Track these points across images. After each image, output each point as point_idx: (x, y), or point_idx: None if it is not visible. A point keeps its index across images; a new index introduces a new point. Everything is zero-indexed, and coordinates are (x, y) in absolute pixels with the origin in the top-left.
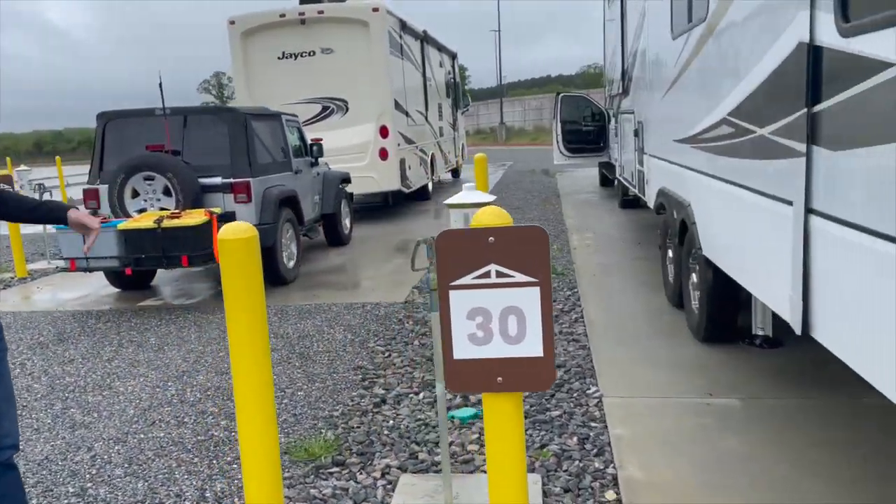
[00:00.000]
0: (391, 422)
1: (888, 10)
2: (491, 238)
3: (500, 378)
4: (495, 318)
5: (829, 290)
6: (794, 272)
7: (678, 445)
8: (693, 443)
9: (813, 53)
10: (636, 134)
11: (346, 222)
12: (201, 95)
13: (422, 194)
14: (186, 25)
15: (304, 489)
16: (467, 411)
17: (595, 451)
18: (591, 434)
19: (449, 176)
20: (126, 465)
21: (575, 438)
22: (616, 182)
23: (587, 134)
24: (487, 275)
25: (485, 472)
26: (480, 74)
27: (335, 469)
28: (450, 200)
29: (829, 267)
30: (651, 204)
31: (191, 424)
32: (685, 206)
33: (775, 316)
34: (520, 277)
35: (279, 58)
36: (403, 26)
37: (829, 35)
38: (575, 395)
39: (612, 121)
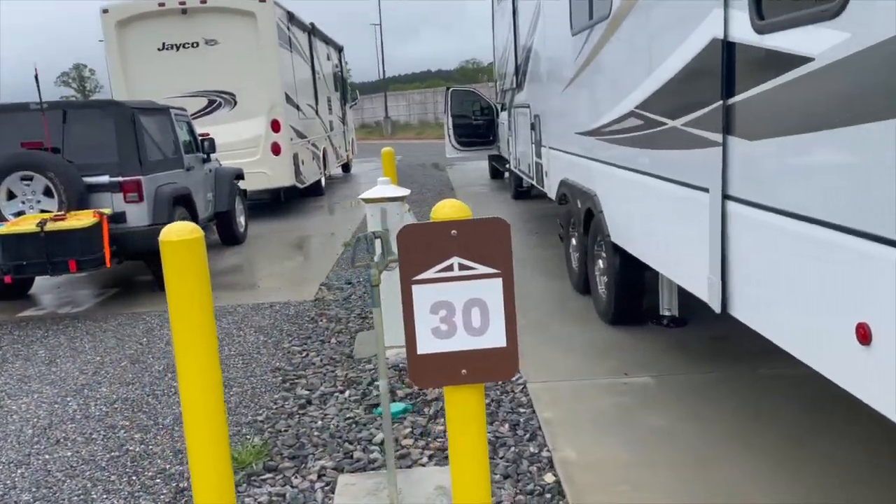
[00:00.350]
0: (320, 422)
1: (802, 9)
2: (453, 231)
3: (464, 370)
4: (458, 311)
5: (746, 269)
6: (711, 255)
7: (604, 425)
8: (617, 421)
9: (727, 49)
10: (533, 127)
11: (241, 220)
12: (60, 89)
13: (315, 190)
14: (41, 14)
15: (239, 499)
16: (396, 406)
17: (528, 435)
18: (521, 420)
19: (340, 171)
20: (34, 490)
21: (507, 425)
22: (508, 174)
23: (477, 128)
24: (450, 268)
25: (423, 465)
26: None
27: (268, 475)
28: (365, 195)
29: (746, 248)
30: (552, 194)
31: (101, 441)
32: (591, 195)
33: (681, 297)
34: (482, 269)
35: (159, 49)
36: (291, 18)
37: (743, 32)
38: (499, 382)
39: (505, 114)
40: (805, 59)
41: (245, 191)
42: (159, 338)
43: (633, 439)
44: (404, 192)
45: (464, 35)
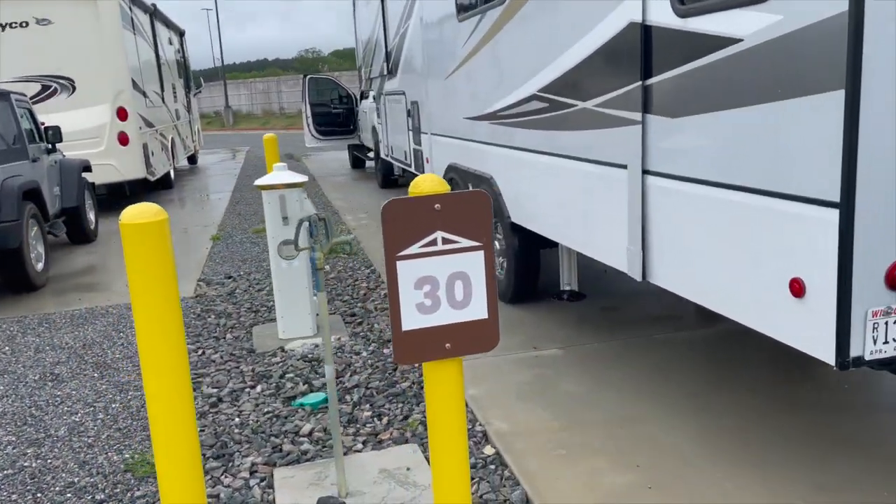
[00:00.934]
0: (237, 419)
1: None
2: (437, 205)
3: (448, 344)
4: (442, 285)
5: (668, 239)
6: (631, 228)
7: (528, 395)
8: (539, 391)
9: (646, 32)
10: (409, 114)
11: (91, 216)
12: None
13: (163, 183)
14: None
15: None
16: (316, 397)
17: None
18: None
19: (186, 163)
20: None
21: None
22: (376, 163)
23: (337, 116)
24: (434, 242)
25: (359, 451)
26: (194, 55)
27: None
28: (260, 182)
29: (669, 218)
30: None
31: None
32: (486, 178)
33: (579, 272)
34: (465, 242)
35: None
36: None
37: (664, 16)
38: (417, 365)
39: (367, 102)
40: (733, 41)
41: (94, 184)
42: (24, 345)
43: (557, 406)
44: (302, 178)
45: (302, 24)
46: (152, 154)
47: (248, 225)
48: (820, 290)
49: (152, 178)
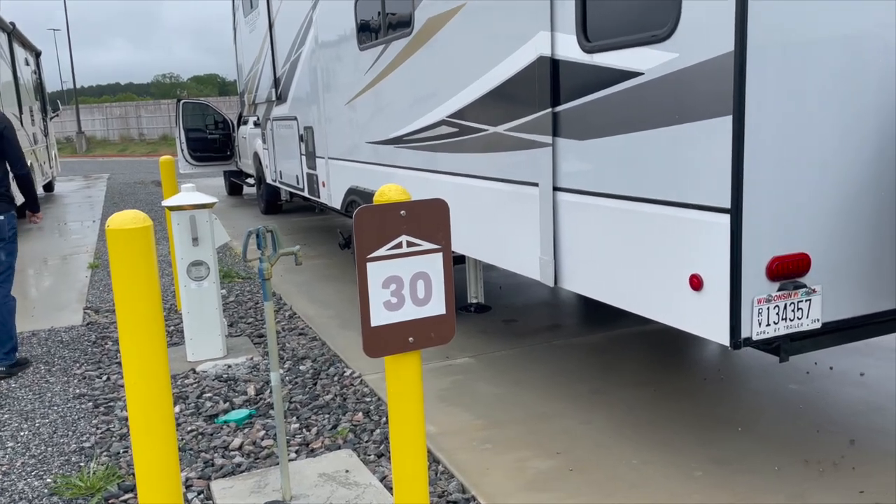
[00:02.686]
0: None
1: (626, 35)
2: (403, 211)
3: (411, 338)
4: (406, 284)
5: (576, 247)
6: (543, 239)
7: (448, 399)
8: (458, 395)
9: (554, 65)
10: (302, 139)
11: None
12: None
13: (19, 211)
14: None
15: None
16: (239, 414)
17: (384, 419)
18: (371, 407)
19: (41, 191)
20: None
21: (360, 414)
22: (258, 189)
23: (213, 142)
24: (399, 245)
25: (293, 460)
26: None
27: (128, 496)
28: (168, 202)
29: (578, 229)
30: (334, 204)
31: None
32: None
33: (485, 286)
34: (426, 245)
35: None
36: None
37: (571, 51)
38: (335, 378)
39: (248, 128)
40: (635, 74)
41: None
42: None
43: (477, 407)
44: (211, 199)
45: (156, 48)
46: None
47: None
48: (715, 283)
49: None
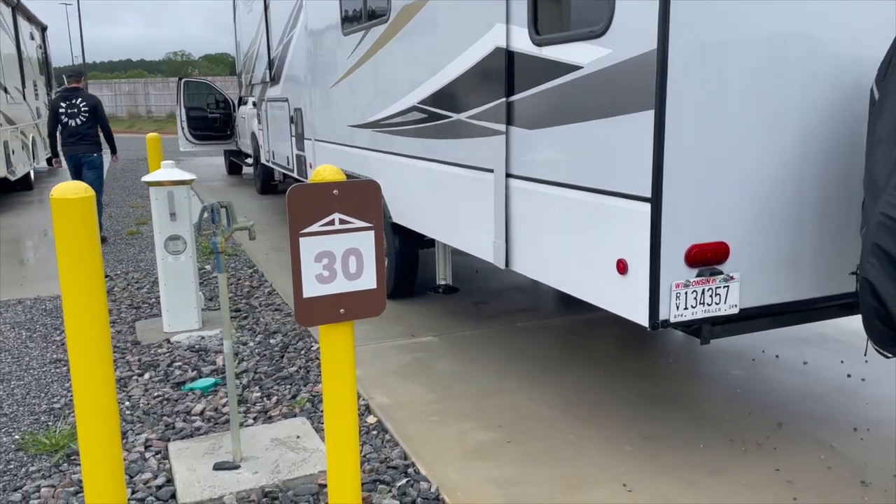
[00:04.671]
0: (127, 402)
1: (573, 29)
2: (335, 191)
3: (342, 310)
4: (338, 259)
5: (525, 232)
6: (496, 223)
7: (406, 374)
8: (416, 371)
9: (509, 57)
10: (293, 121)
11: None
12: None
13: (23, 183)
14: None
15: (65, 476)
16: (205, 381)
17: None
18: None
19: (45, 165)
20: None
21: (320, 385)
22: (255, 168)
23: (213, 121)
24: (332, 223)
25: (249, 426)
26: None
27: None
28: (147, 178)
29: (525, 214)
30: None
31: None
32: None
33: (453, 268)
34: (358, 223)
35: None
36: None
37: (523, 44)
38: (302, 352)
39: (247, 108)
40: (576, 67)
41: None
42: None
43: (432, 383)
44: (189, 175)
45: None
46: (13, 153)
47: (121, 227)
48: (637, 268)
49: (12, 178)
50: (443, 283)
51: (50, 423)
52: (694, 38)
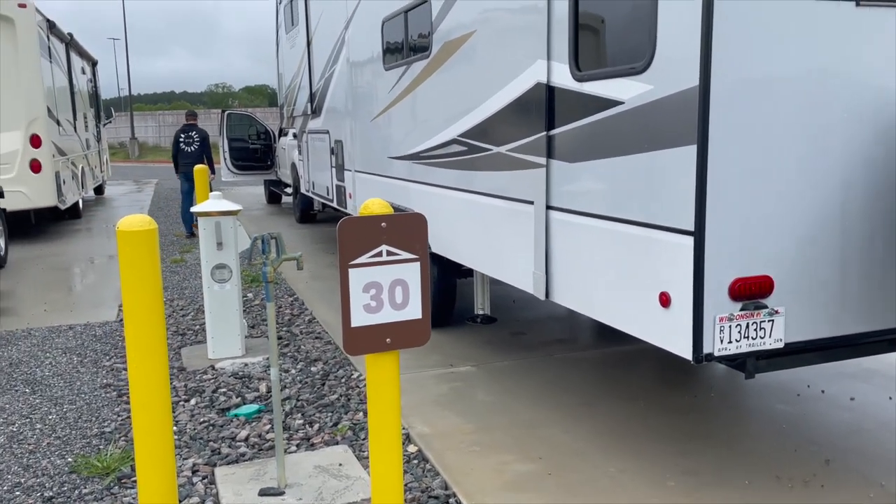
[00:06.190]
0: (175, 428)
1: (611, 66)
2: (383, 223)
3: (388, 339)
4: (385, 290)
5: (566, 263)
6: (536, 254)
7: (445, 404)
8: (455, 401)
9: (550, 92)
10: (333, 152)
11: (1, 243)
12: None
13: (72, 212)
14: None
15: (116, 499)
16: (249, 408)
17: None
18: None
19: (92, 193)
20: None
21: (361, 413)
22: (294, 198)
23: (254, 152)
24: (380, 254)
25: (292, 452)
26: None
27: None
28: (196, 208)
29: (566, 246)
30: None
31: None
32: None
33: (492, 298)
34: (405, 255)
35: None
36: (52, 27)
37: (564, 79)
38: (343, 380)
39: (287, 139)
40: (617, 102)
41: (4, 210)
42: None
43: (470, 413)
44: (236, 206)
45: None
46: (63, 182)
47: (166, 255)
48: (681, 301)
49: (63, 207)
50: (481, 312)
51: (101, 447)
52: (735, 74)
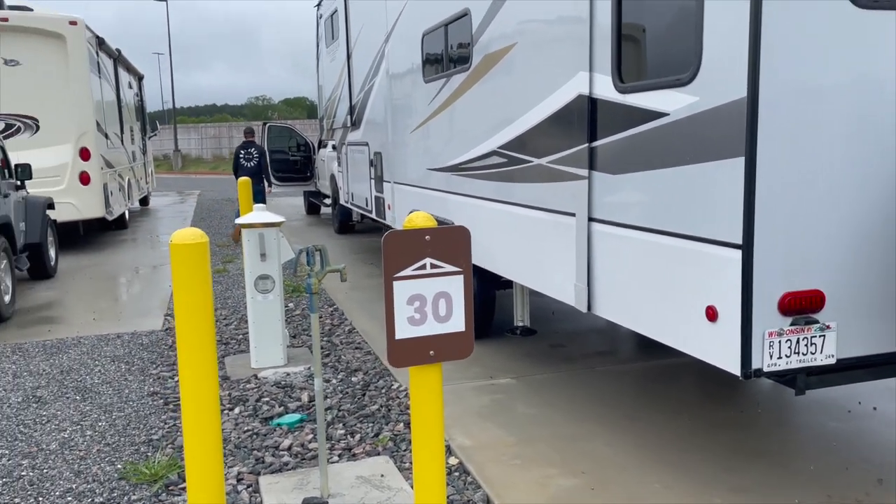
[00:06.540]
0: None
1: (655, 77)
2: (427, 236)
3: (432, 351)
4: (429, 302)
5: (609, 275)
6: (578, 266)
7: (486, 416)
8: (495, 413)
9: (592, 103)
10: (372, 164)
11: (52, 253)
12: None
13: (118, 223)
14: None
15: None
16: (292, 417)
17: None
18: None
19: (137, 205)
20: None
21: (401, 424)
22: (333, 209)
23: (294, 164)
24: (423, 267)
25: (334, 462)
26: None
27: (185, 484)
28: (240, 220)
29: (609, 258)
30: (398, 226)
31: None
32: (446, 223)
33: (531, 310)
34: (448, 268)
35: None
36: (101, 44)
37: (607, 91)
38: (383, 391)
39: (326, 151)
40: (662, 114)
41: (55, 221)
42: (1, 372)
43: (511, 425)
44: (279, 218)
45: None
46: (111, 194)
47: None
48: (728, 315)
49: (110, 218)
50: (520, 324)
51: (149, 454)
52: (784, 84)
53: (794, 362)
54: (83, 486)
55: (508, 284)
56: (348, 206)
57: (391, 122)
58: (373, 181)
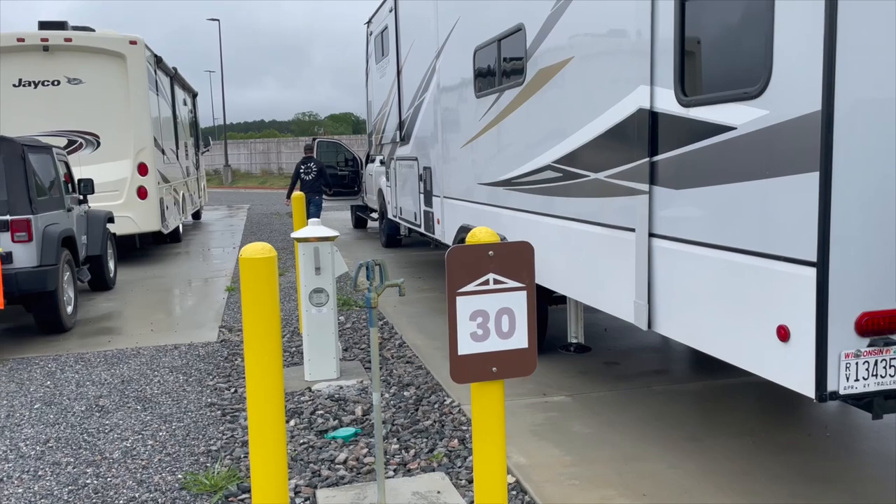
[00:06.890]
0: None
1: (721, 91)
2: (490, 252)
3: (494, 368)
4: (492, 318)
5: (670, 293)
6: (638, 283)
7: (541, 434)
8: (551, 431)
9: (653, 117)
10: (421, 178)
11: (112, 265)
12: None
13: (172, 236)
14: None
15: None
16: (346, 431)
17: None
18: (467, 435)
19: (190, 218)
20: None
21: (455, 440)
22: (380, 223)
23: (342, 178)
24: (486, 282)
25: (390, 477)
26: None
27: (245, 495)
28: (295, 234)
29: (672, 275)
30: (446, 240)
31: (51, 476)
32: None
33: (589, 327)
34: (511, 283)
35: (15, 85)
36: (159, 62)
37: (669, 104)
38: (436, 406)
39: (373, 166)
40: (728, 128)
41: (115, 235)
42: (65, 380)
43: (567, 444)
44: (333, 232)
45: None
46: (167, 208)
47: None
48: (802, 336)
49: (165, 231)
50: (574, 341)
51: (208, 465)
52: (861, 97)
53: (872, 385)
54: (146, 494)
55: (561, 300)
56: (396, 220)
57: (441, 137)
58: (422, 195)
